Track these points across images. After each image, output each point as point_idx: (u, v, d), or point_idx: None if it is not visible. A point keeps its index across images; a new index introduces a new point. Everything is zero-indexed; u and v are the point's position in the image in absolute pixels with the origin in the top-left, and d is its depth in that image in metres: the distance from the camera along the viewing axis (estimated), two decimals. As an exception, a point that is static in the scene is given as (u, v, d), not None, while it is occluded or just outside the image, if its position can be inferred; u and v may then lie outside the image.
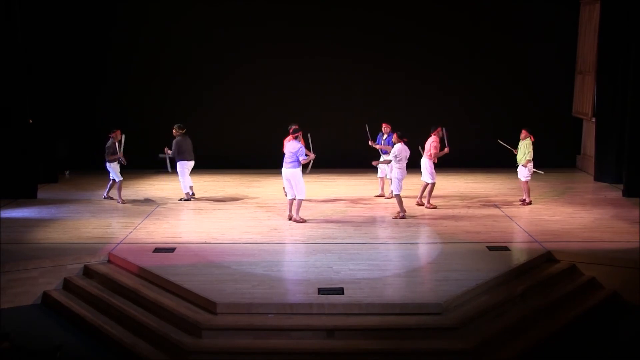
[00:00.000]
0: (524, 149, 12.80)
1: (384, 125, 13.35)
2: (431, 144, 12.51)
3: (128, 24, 16.37)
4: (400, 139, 11.97)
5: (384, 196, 13.54)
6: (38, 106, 14.46)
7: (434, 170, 12.56)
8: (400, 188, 12.01)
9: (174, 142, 13.19)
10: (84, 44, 16.15)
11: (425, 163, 12.57)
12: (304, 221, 11.81)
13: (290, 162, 11.59)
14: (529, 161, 12.73)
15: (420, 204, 12.79)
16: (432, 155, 12.48)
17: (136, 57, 16.50)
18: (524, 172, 12.89)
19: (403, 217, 12.02)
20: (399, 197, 12.05)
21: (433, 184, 12.65)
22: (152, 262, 9.70)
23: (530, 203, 13.05)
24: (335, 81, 16.58)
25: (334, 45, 16.38)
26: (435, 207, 12.68)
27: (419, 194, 12.87)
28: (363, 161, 14.31)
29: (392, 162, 11.97)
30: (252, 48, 16.42)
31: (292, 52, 16.44)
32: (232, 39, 16.42)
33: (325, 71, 16.52)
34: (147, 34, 16.44)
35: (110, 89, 16.38)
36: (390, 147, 12.65)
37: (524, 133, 12.95)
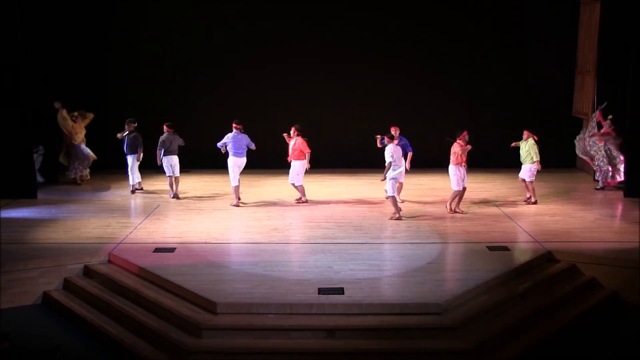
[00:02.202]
0: (529, 150, 12.90)
1: (392, 129, 12.82)
2: (453, 150, 12.15)
3: (128, 24, 16.36)
4: (391, 139, 11.99)
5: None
6: (38, 107, 14.47)
7: (459, 177, 12.12)
8: (394, 190, 12.01)
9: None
10: (84, 44, 16.11)
11: (451, 170, 12.21)
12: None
13: (244, 153, 12.99)
14: (538, 162, 12.85)
15: (452, 211, 12.39)
16: (456, 160, 12.07)
17: (136, 58, 16.50)
18: (527, 171, 13.00)
19: (399, 219, 12.00)
20: (392, 198, 12.05)
21: (457, 192, 12.26)
22: (153, 262, 9.70)
23: (536, 202, 13.11)
24: (335, 81, 16.55)
25: (334, 45, 16.36)
26: (454, 212, 12.37)
27: (453, 203, 12.48)
28: (363, 161, 14.33)
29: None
30: (252, 49, 16.40)
31: (292, 52, 16.42)
32: (232, 40, 16.41)
33: (326, 72, 16.50)
34: (148, 35, 16.43)
35: (111, 89, 16.36)
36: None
37: (526, 134, 13.03)
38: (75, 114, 15.00)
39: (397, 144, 12.54)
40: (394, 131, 12.73)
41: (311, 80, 16.58)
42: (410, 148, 12.88)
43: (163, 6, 16.39)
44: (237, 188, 13.09)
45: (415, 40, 16.42)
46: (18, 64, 13.11)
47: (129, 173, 14.24)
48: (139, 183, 14.47)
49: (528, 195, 13.27)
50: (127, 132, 14.17)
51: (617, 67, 14.34)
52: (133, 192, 14.26)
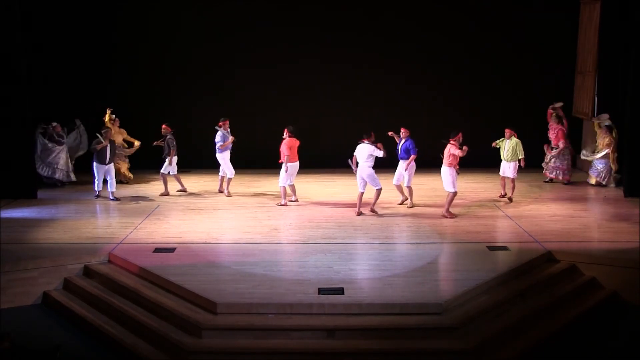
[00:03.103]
0: (515, 148, 13.09)
1: (402, 130, 12.75)
2: (449, 151, 11.88)
3: (131, 25, 16.34)
4: (367, 138, 12.08)
5: (405, 203, 13.07)
6: (40, 107, 14.50)
7: (455, 179, 11.94)
8: (360, 187, 12.26)
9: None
10: (87, 45, 16.09)
11: (445, 171, 12.01)
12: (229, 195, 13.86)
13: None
14: (523, 159, 13.08)
15: (452, 215, 12.10)
16: (452, 162, 11.85)
17: (139, 59, 16.49)
18: (513, 170, 13.20)
19: (359, 215, 12.25)
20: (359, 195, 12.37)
21: (454, 194, 12.04)
22: (152, 262, 9.70)
23: (511, 200, 13.30)
24: (335, 82, 16.55)
25: (334, 46, 16.34)
26: (454, 217, 12.08)
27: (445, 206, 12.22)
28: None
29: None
30: (253, 50, 16.38)
31: (292, 54, 16.42)
32: (233, 41, 16.39)
33: (326, 72, 16.48)
34: (150, 36, 16.42)
35: (113, 90, 16.32)
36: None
37: (508, 132, 13.23)
38: (113, 116, 14.93)
39: (402, 145, 12.64)
40: (403, 132, 12.70)
41: (311, 80, 16.58)
42: (414, 151, 12.53)
43: (164, 8, 16.39)
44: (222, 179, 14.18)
45: (415, 40, 16.41)
46: (18, 64, 13.12)
47: (98, 180, 13.50)
48: (113, 193, 13.74)
49: (504, 193, 13.46)
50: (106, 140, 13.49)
51: (617, 67, 14.34)
52: (98, 196, 13.64)
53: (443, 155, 12.03)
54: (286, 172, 12.96)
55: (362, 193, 12.34)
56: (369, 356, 7.76)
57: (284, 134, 13.03)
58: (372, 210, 12.39)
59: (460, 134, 11.99)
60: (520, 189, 13.98)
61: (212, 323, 8.08)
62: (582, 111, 16.21)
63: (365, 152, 12.01)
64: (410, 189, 12.91)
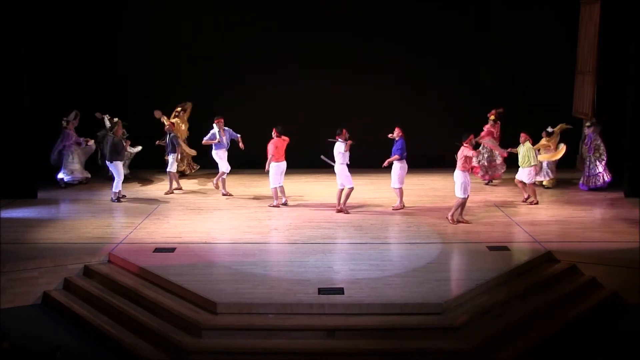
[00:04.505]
0: (527, 153, 13.02)
1: (396, 129, 12.64)
2: (462, 154, 11.45)
3: (133, 26, 16.34)
4: (339, 135, 12.23)
5: (400, 208, 12.82)
6: (42, 107, 14.51)
7: (466, 185, 11.45)
8: (339, 184, 12.48)
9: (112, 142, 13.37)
10: (90, 45, 16.10)
11: (457, 176, 11.54)
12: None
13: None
14: (535, 166, 13.06)
15: (455, 222, 11.73)
16: (464, 166, 11.42)
17: (141, 60, 16.50)
18: (527, 175, 13.08)
19: (342, 212, 12.40)
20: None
21: (462, 199, 11.57)
22: (152, 262, 9.70)
23: (537, 202, 13.11)
24: (335, 84, 16.55)
25: (335, 50, 16.35)
26: (456, 223, 11.71)
27: (456, 213, 11.83)
28: (362, 161, 14.31)
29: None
30: (256, 53, 16.40)
31: (293, 57, 16.43)
32: (235, 45, 16.42)
33: (326, 75, 16.47)
34: (153, 38, 16.44)
35: (116, 90, 16.34)
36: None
37: (523, 137, 13.16)
38: (179, 108, 15.08)
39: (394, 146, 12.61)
40: (396, 132, 12.60)
41: (313, 82, 16.57)
42: (399, 152, 12.38)
43: (168, 10, 16.43)
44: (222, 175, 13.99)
45: (414, 40, 16.41)
46: (19, 64, 13.11)
47: (119, 180, 13.35)
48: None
49: (526, 196, 13.30)
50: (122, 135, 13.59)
51: (617, 67, 14.34)
52: (119, 199, 13.37)
53: (457, 158, 11.62)
54: (266, 171, 12.78)
55: (341, 190, 12.53)
56: (369, 356, 7.76)
57: (272, 133, 12.91)
58: (341, 210, 12.44)
59: (472, 136, 11.65)
60: (520, 190, 13.95)
61: (212, 323, 8.08)
62: (582, 111, 16.21)
63: (336, 150, 12.25)
64: (395, 189, 12.75)
